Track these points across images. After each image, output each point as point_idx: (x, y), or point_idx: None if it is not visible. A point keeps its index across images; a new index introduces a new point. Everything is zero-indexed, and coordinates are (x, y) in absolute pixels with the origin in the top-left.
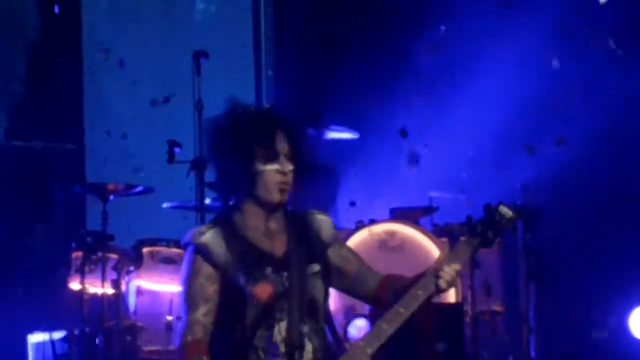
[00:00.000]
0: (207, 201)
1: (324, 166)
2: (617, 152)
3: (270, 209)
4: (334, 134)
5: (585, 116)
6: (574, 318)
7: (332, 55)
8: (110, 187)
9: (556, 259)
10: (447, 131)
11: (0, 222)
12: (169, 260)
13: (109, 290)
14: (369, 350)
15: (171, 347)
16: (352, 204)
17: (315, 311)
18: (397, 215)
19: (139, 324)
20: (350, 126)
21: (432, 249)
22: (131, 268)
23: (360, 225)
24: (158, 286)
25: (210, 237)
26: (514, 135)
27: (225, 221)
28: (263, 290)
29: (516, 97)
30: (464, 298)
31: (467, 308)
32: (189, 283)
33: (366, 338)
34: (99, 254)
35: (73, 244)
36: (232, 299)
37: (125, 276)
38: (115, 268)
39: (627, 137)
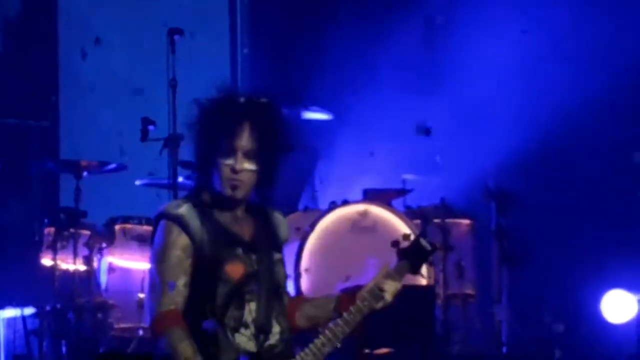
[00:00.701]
0: (180, 179)
1: (298, 150)
2: (592, 135)
3: (223, 199)
4: (309, 114)
5: (561, 97)
6: (546, 301)
7: (308, 34)
8: (84, 163)
9: (529, 242)
10: (422, 114)
11: None
12: (141, 238)
13: (81, 267)
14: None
15: (142, 324)
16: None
17: (281, 294)
18: (370, 196)
19: (110, 301)
20: (326, 107)
21: (404, 231)
22: (103, 245)
23: (333, 206)
24: (130, 264)
25: (186, 210)
26: (488, 117)
27: (196, 199)
28: (236, 270)
29: (492, 78)
30: (436, 281)
31: (439, 291)
32: (167, 254)
33: (325, 334)
34: (71, 230)
35: (45, 220)
36: (203, 276)
37: (97, 253)
38: (87, 245)
39: (604, 119)
